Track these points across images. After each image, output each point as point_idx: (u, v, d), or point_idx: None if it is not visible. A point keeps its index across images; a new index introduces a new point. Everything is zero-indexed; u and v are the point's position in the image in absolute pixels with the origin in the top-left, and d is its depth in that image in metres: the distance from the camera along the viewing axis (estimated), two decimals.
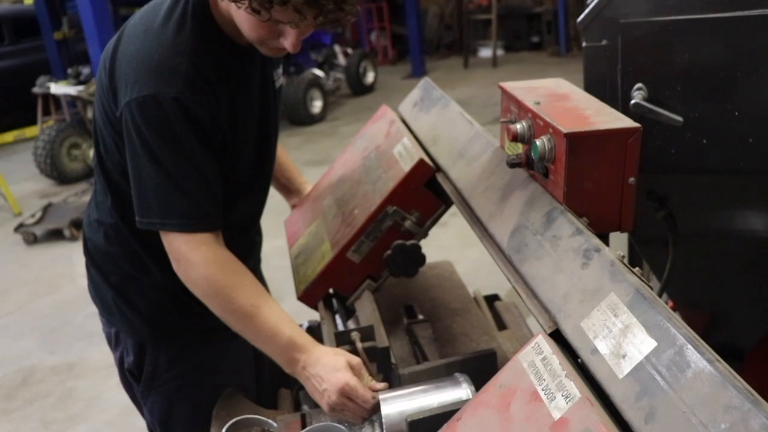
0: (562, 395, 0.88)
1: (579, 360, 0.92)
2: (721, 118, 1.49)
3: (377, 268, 1.64)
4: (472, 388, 1.27)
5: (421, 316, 1.71)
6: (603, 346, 0.88)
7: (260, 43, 1.37)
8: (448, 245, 4.64)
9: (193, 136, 1.34)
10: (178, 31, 1.36)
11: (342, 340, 1.44)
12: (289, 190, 2.04)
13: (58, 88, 6.91)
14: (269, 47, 1.38)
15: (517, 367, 0.99)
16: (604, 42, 1.57)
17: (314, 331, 1.77)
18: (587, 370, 0.89)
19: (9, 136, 7.72)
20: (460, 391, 1.28)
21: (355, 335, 1.44)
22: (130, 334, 1.61)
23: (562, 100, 1.26)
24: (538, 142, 1.15)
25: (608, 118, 1.14)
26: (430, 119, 1.77)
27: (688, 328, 0.81)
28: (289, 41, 1.33)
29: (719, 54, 1.45)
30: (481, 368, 1.40)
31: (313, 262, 1.73)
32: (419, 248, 1.60)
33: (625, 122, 1.12)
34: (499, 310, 1.95)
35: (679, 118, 1.48)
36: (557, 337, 0.98)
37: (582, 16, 1.61)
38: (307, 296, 1.70)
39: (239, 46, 1.42)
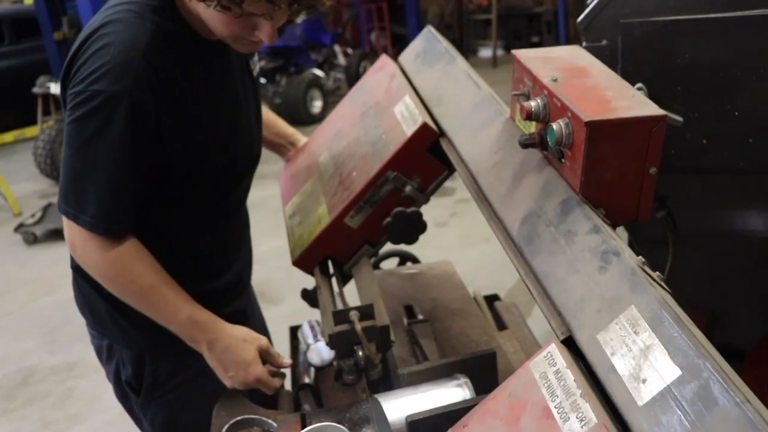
0: (577, 417, 0.82)
1: (591, 369, 0.87)
2: (721, 118, 1.49)
3: (376, 234, 1.58)
4: (472, 389, 1.27)
5: (421, 316, 1.71)
6: (621, 366, 0.81)
7: (234, 39, 1.35)
8: (448, 245, 4.64)
9: (129, 137, 1.31)
10: (138, 23, 1.33)
11: (340, 319, 1.40)
12: (283, 145, 1.98)
13: (58, 88, 6.89)
14: (243, 43, 1.36)
15: (527, 376, 0.92)
16: (604, 42, 1.57)
17: (309, 294, 1.71)
18: (602, 387, 0.83)
19: (9, 136, 7.71)
20: (459, 392, 1.27)
21: (353, 314, 1.39)
22: (128, 345, 1.58)
23: (581, 75, 1.16)
24: (554, 126, 1.06)
25: (631, 102, 1.05)
26: (434, 75, 1.64)
27: (717, 356, 0.74)
28: (264, 32, 1.31)
29: (719, 54, 1.45)
30: (481, 369, 1.40)
31: (308, 225, 1.66)
32: (420, 215, 1.54)
33: (650, 109, 1.03)
34: (499, 310, 1.96)
35: (679, 118, 1.49)
36: (569, 343, 0.93)
37: (582, 16, 1.61)
38: (303, 262, 1.65)
39: (207, 40, 1.39)
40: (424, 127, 1.48)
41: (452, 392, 1.27)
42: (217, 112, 1.47)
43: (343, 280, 1.66)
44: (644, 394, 0.76)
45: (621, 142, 1.02)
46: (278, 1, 1.22)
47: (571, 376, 0.86)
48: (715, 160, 1.53)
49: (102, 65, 1.29)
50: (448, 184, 5.71)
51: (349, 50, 10.35)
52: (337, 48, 9.91)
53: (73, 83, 1.33)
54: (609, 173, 1.04)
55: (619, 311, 0.86)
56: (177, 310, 1.41)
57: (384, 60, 1.84)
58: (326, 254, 1.65)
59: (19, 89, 7.69)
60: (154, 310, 1.43)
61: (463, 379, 1.29)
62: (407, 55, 1.82)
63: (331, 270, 1.66)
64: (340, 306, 1.57)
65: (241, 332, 1.46)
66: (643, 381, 0.77)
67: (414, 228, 1.54)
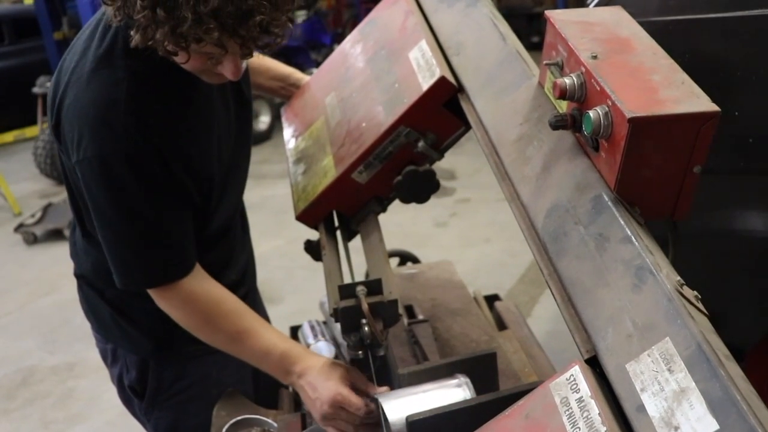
0: None
1: (617, 400, 0.80)
2: (721, 118, 1.49)
3: (385, 189, 1.50)
4: (472, 389, 1.27)
5: (421, 316, 1.71)
6: (651, 406, 0.74)
7: (200, 73, 1.31)
8: (448, 245, 4.64)
9: (145, 191, 1.30)
10: (109, 73, 1.28)
11: (346, 293, 1.34)
12: (282, 87, 1.87)
13: None
14: (210, 75, 1.32)
15: (547, 398, 0.85)
16: None
17: (313, 246, 1.61)
18: (627, 423, 0.77)
19: (9, 136, 7.71)
20: (460, 392, 1.27)
21: (360, 290, 1.33)
22: (132, 350, 1.59)
23: (624, 51, 1.03)
24: (592, 115, 0.94)
25: (681, 93, 0.93)
26: (454, 18, 1.48)
27: (761, 409, 0.68)
28: (226, 69, 1.26)
29: (719, 54, 1.45)
30: (482, 369, 1.40)
31: (313, 176, 1.57)
32: (433, 174, 1.45)
33: (702, 103, 0.92)
34: (499, 310, 1.96)
35: None
36: (592, 362, 0.86)
37: None
38: (307, 216, 1.57)
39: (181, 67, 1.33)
40: (442, 80, 1.35)
41: (452, 392, 1.27)
42: (210, 128, 1.45)
43: (349, 236, 1.60)
44: None
45: (666, 139, 0.91)
46: (226, 44, 1.18)
47: (595, 408, 0.79)
48: (715, 160, 1.53)
49: (85, 130, 1.27)
50: (448, 184, 5.73)
51: None
52: (336, 48, 9.90)
53: (67, 151, 1.32)
54: (649, 171, 0.94)
55: (653, 341, 0.78)
56: (269, 351, 1.40)
57: None
58: (331, 209, 1.57)
59: (19, 89, 7.68)
60: (246, 355, 1.43)
61: (464, 379, 1.29)
62: None
63: (336, 223, 1.59)
64: (345, 269, 1.52)
65: (331, 359, 1.45)
66: (676, 429, 0.70)
67: (426, 187, 1.45)
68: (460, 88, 1.37)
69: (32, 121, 7.53)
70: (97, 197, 1.31)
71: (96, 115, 1.26)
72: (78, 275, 1.62)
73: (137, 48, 1.26)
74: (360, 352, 1.40)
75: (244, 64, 1.38)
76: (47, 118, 1.40)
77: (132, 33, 1.21)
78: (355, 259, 1.61)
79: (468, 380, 1.29)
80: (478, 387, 1.28)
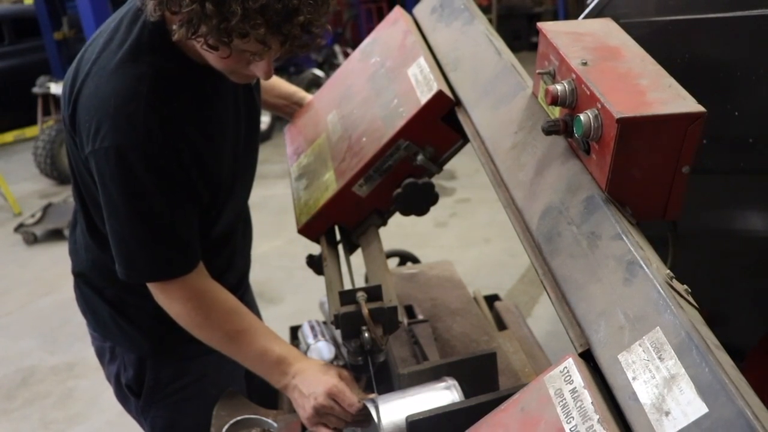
0: None
1: (610, 390, 0.82)
2: (721, 118, 1.49)
3: (385, 202, 1.53)
4: (460, 391, 1.26)
5: (421, 316, 1.71)
6: (643, 393, 0.76)
7: (229, 72, 1.31)
8: (448, 245, 4.64)
9: (157, 185, 1.30)
10: (133, 67, 1.29)
11: (346, 299, 1.36)
12: (287, 105, 1.89)
13: (58, 88, 6.91)
14: (239, 75, 1.32)
15: (541, 391, 0.87)
16: None
17: (315, 261, 1.63)
18: (621, 412, 0.79)
19: (9, 136, 7.71)
20: (448, 395, 1.27)
21: (360, 296, 1.34)
22: (130, 349, 1.58)
23: (613, 58, 1.07)
24: (582, 118, 0.98)
25: (668, 95, 0.96)
26: (451, 35, 1.53)
27: (750, 394, 0.70)
28: (259, 68, 1.28)
29: (719, 54, 1.45)
30: (482, 369, 1.40)
31: (315, 191, 1.60)
32: (432, 186, 1.48)
33: (688, 104, 0.95)
34: (499, 310, 1.96)
35: None
36: (586, 356, 0.88)
37: (582, 16, 1.61)
38: (308, 229, 1.59)
39: (205, 67, 1.33)
40: (440, 95, 1.39)
41: (441, 395, 1.27)
42: (224, 132, 1.45)
43: (350, 249, 1.61)
44: (667, 428, 0.72)
45: (654, 139, 0.94)
46: (269, 42, 1.19)
47: (588, 398, 0.80)
48: (715, 160, 1.53)
49: (105, 120, 1.27)
50: (448, 184, 5.73)
51: (349, 50, 10.33)
52: (337, 48, 9.90)
53: (81, 140, 1.32)
54: (638, 171, 0.97)
55: (644, 332, 0.81)
56: (266, 352, 1.41)
57: (398, 12, 1.73)
58: (333, 222, 1.59)
59: (19, 89, 7.68)
60: (242, 355, 1.43)
61: (451, 382, 1.29)
62: (423, 9, 1.71)
63: (338, 236, 1.61)
64: (346, 278, 1.54)
65: (325, 363, 1.47)
66: (666, 413, 0.72)
67: (425, 199, 1.48)
68: (457, 102, 1.40)
69: (32, 121, 7.53)
70: (109, 187, 1.31)
71: (117, 106, 1.27)
72: (76, 273, 1.62)
73: (162, 46, 1.27)
74: (360, 358, 1.41)
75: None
76: (62, 107, 1.40)
77: (175, 27, 1.21)
78: (354, 261, 1.62)
79: (456, 383, 1.29)
80: (478, 387, 1.28)
